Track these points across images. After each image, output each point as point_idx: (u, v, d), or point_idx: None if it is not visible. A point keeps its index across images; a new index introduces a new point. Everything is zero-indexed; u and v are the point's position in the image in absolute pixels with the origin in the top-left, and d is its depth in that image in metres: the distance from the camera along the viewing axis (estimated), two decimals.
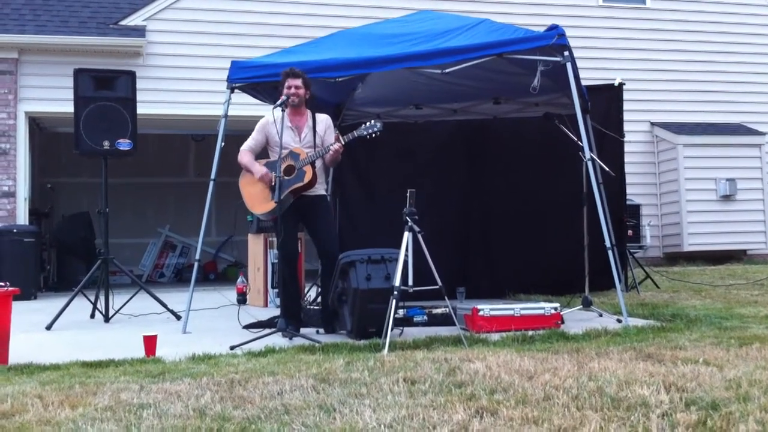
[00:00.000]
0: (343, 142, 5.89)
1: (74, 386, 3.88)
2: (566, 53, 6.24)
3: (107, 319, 7.11)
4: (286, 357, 4.69)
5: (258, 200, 5.97)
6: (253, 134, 6.14)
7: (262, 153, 6.18)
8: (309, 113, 6.11)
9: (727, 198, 14.25)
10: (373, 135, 5.86)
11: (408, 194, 5.39)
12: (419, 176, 8.39)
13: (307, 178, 5.86)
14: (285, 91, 5.93)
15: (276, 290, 8.12)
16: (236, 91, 6.76)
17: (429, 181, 8.48)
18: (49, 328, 6.61)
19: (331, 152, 5.88)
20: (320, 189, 6.13)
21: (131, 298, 7.62)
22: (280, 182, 5.60)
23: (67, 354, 4.95)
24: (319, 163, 6.00)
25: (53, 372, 4.41)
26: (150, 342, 5.01)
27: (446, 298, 5.37)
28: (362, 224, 8.77)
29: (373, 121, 5.89)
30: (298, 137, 6.00)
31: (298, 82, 5.94)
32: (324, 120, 6.14)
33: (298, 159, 5.87)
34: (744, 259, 14.47)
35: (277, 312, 6.36)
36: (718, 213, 14.24)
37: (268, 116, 6.06)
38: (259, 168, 5.96)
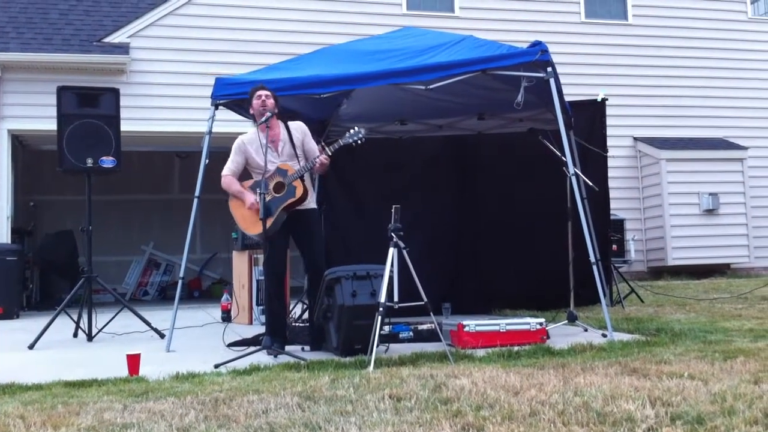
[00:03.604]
0: (329, 153, 5.88)
1: (57, 406, 3.84)
2: (549, 69, 6.28)
3: (90, 337, 7.05)
4: (271, 375, 4.66)
5: (251, 222, 5.90)
6: (232, 156, 6.06)
7: (244, 173, 6.15)
8: (281, 124, 6.06)
9: (710, 212, 14.34)
10: (358, 142, 5.83)
11: (393, 210, 5.39)
12: (406, 192, 8.38)
13: (299, 193, 5.85)
14: (255, 101, 5.92)
15: (261, 307, 8.08)
16: (220, 107, 6.76)
17: (415, 196, 8.49)
18: (31, 347, 6.54)
19: (317, 165, 5.87)
20: (311, 203, 6.11)
21: (115, 316, 7.57)
22: (265, 201, 5.58)
23: (50, 373, 4.91)
24: (307, 176, 5.99)
25: (35, 392, 4.37)
26: (133, 361, 4.97)
27: (432, 314, 5.37)
28: (350, 239, 8.75)
29: (356, 128, 5.87)
30: (276, 152, 5.97)
31: (267, 92, 5.94)
32: (298, 127, 6.09)
33: (286, 175, 5.85)
34: (728, 273, 14.55)
35: (262, 329, 6.33)
36: (701, 227, 14.33)
37: (242, 137, 6.04)
38: (248, 197, 5.89)
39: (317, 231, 6.30)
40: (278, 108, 6.01)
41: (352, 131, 5.86)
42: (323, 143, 5.94)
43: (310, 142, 6.06)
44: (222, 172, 6.05)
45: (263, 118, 5.83)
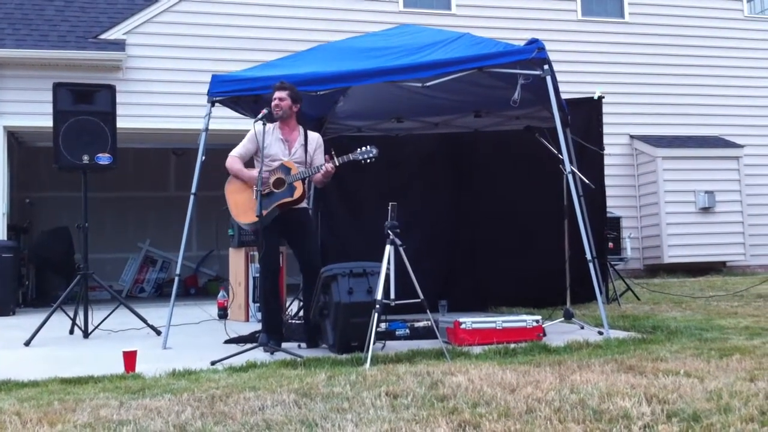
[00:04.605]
0: (337, 163, 5.85)
1: (53, 403, 3.83)
2: (546, 67, 6.28)
3: (86, 334, 7.04)
4: (267, 372, 4.65)
5: (244, 209, 5.91)
6: (244, 142, 6.06)
7: (248, 162, 6.14)
8: (301, 130, 6.08)
9: (706, 210, 14.37)
10: (368, 161, 5.84)
11: (390, 207, 5.39)
12: (402, 189, 8.36)
13: (297, 194, 5.83)
14: (273, 103, 5.94)
15: (257, 304, 8.08)
16: (217, 104, 6.75)
17: (412, 194, 8.48)
18: (27, 344, 6.53)
19: (322, 171, 5.84)
20: (303, 203, 6.11)
21: (111, 313, 7.55)
22: (261, 196, 5.58)
23: (46, 370, 4.89)
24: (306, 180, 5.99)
25: (32, 389, 4.35)
26: (130, 358, 4.96)
27: (428, 311, 5.36)
28: (345, 238, 8.74)
29: (368, 147, 5.84)
30: (288, 151, 5.97)
31: (283, 94, 5.92)
32: (315, 140, 6.12)
33: (289, 173, 5.84)
34: (723, 271, 14.58)
35: (258, 327, 6.33)
36: (697, 225, 14.37)
37: (260, 127, 6.04)
38: (250, 175, 5.89)
39: (311, 228, 6.29)
40: (298, 107, 6.02)
41: (364, 148, 5.84)
42: (332, 152, 5.90)
43: (320, 155, 6.06)
44: (230, 153, 6.05)
45: (260, 115, 5.81)
